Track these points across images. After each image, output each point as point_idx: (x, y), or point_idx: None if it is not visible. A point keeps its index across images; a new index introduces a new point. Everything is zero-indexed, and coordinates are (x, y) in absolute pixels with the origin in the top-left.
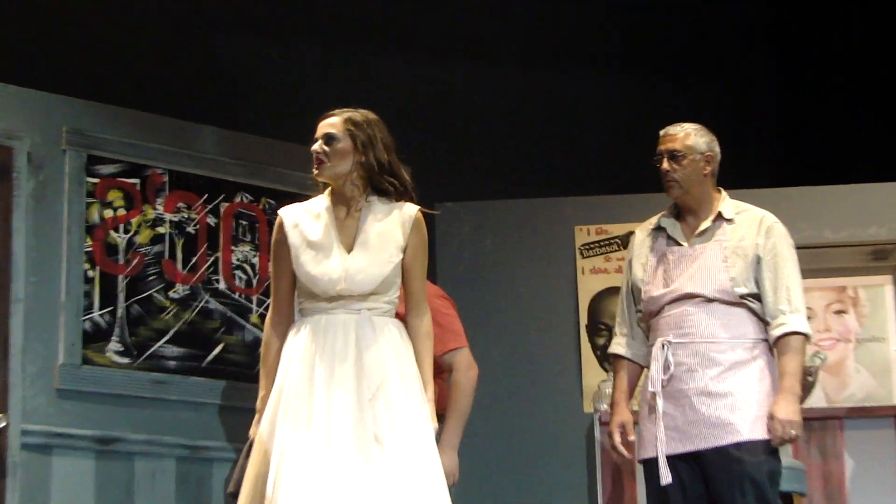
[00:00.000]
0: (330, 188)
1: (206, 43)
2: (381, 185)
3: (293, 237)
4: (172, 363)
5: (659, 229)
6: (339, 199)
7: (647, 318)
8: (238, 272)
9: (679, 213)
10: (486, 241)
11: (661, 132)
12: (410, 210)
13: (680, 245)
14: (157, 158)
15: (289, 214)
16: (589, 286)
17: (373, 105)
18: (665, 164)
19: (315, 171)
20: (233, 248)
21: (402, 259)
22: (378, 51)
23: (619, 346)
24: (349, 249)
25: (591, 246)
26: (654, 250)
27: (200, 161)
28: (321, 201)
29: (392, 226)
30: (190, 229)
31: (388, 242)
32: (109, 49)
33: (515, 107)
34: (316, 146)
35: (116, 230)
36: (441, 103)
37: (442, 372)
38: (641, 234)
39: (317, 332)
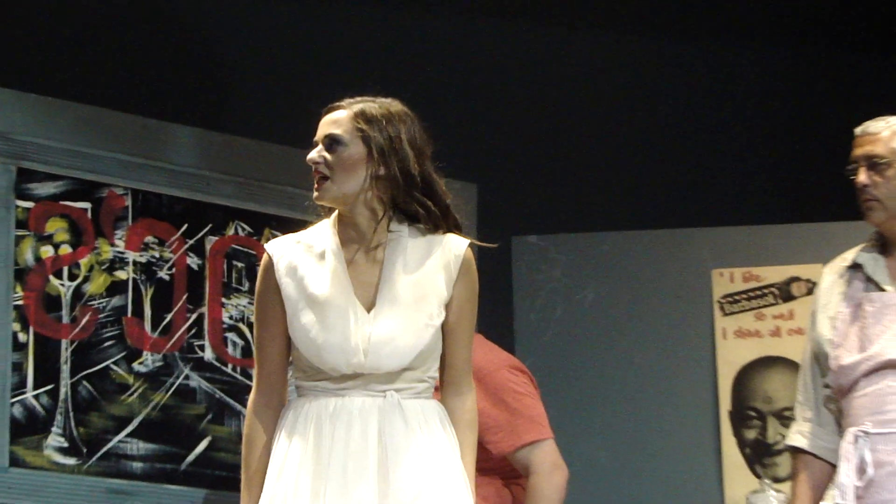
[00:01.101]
0: (336, 213)
1: (180, 9)
2: (409, 207)
3: (288, 288)
4: (138, 465)
5: (855, 268)
6: (350, 231)
7: (839, 395)
8: (231, 335)
9: (884, 244)
10: (587, 291)
11: (858, 130)
12: (457, 246)
13: (882, 290)
14: (115, 173)
15: (280, 252)
16: (733, 356)
17: (417, 92)
18: (862, 176)
19: (315, 193)
20: (224, 300)
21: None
22: (426, 7)
23: (799, 436)
24: (369, 307)
25: (737, 298)
26: (848, 298)
27: (177, 177)
28: (325, 233)
29: (432, 270)
30: (163, 274)
31: (426, 296)
32: (48, 21)
33: (625, 94)
34: (314, 154)
35: (59, 276)
36: (517, 89)
37: (518, 476)
38: (831, 275)
39: (322, 423)
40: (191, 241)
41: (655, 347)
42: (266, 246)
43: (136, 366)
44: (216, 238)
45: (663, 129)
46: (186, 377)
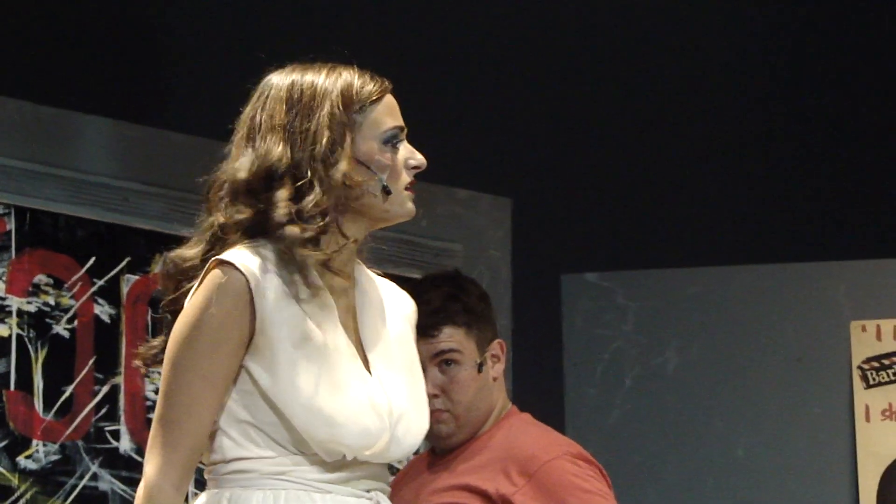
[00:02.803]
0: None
1: None
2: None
3: (280, 326)
4: None
5: None
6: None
7: None
8: None
9: None
10: (669, 352)
11: None
12: (407, 295)
13: None
14: None
15: (258, 269)
16: (880, 445)
17: (425, 80)
18: None
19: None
20: (150, 367)
21: None
22: None
23: None
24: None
25: (886, 363)
26: None
27: (82, 188)
28: (285, 255)
29: (400, 324)
30: (60, 329)
31: (413, 360)
32: None
33: (720, 73)
34: (420, 157)
35: None
36: (569, 70)
37: None
38: None
39: None
40: (100, 282)
41: (768, 433)
42: (229, 257)
43: (22, 460)
44: (136, 277)
45: (775, 121)
46: (94, 477)
